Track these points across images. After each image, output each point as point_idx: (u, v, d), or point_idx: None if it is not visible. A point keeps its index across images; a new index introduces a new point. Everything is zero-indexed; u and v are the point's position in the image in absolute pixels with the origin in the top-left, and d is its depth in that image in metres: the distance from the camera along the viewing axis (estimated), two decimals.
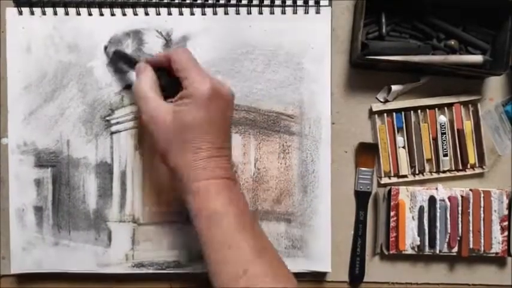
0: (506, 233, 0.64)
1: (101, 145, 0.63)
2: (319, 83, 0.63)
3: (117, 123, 0.63)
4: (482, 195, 0.63)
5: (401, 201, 0.63)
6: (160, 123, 0.51)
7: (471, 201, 0.63)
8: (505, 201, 0.64)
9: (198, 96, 0.50)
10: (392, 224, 0.63)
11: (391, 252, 0.63)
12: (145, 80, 0.54)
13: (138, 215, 0.63)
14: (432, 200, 0.63)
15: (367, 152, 0.64)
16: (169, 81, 0.55)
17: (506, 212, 0.64)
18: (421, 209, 0.63)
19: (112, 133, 0.63)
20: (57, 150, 0.63)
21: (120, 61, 0.61)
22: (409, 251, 0.63)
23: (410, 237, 0.63)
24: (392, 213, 0.63)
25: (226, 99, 0.53)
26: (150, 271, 0.63)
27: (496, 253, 0.64)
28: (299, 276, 0.64)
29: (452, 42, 0.63)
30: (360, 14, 0.59)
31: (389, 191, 0.63)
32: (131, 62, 0.59)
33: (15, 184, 0.63)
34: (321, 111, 0.63)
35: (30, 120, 0.63)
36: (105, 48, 0.63)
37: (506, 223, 0.64)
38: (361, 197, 0.65)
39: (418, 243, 0.63)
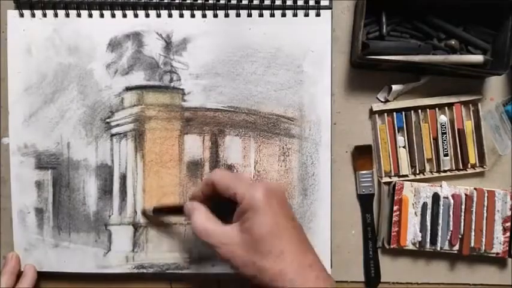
0: (508, 234, 0.64)
1: (101, 147, 0.63)
2: (319, 85, 0.63)
3: (117, 125, 0.63)
4: (486, 194, 0.63)
5: (404, 196, 0.63)
6: (236, 249, 0.49)
7: (475, 200, 0.63)
8: (509, 202, 0.63)
9: (256, 205, 0.49)
10: (394, 219, 0.63)
11: (392, 246, 0.63)
12: (199, 216, 0.53)
13: (139, 217, 0.63)
14: (436, 197, 0.63)
15: (363, 155, 0.64)
16: (221, 205, 0.53)
17: (509, 213, 0.63)
18: (425, 205, 0.63)
19: (112, 135, 0.63)
20: (57, 152, 0.63)
21: (164, 214, 0.62)
22: (410, 247, 0.63)
23: (412, 233, 0.63)
24: (395, 208, 0.63)
25: (280, 195, 0.52)
26: (150, 273, 0.63)
27: (497, 253, 0.64)
28: None
29: (453, 42, 0.63)
30: (360, 14, 0.59)
31: (394, 185, 0.63)
32: (176, 210, 0.58)
33: (16, 186, 0.63)
34: (321, 114, 0.63)
35: (30, 122, 0.63)
36: (143, 212, 0.63)
37: (508, 224, 0.63)
38: (365, 200, 0.65)
39: (420, 239, 0.63)
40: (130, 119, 0.63)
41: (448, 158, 0.64)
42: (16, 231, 0.63)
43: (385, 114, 0.64)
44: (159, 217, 0.63)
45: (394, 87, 0.62)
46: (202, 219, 0.52)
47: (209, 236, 0.51)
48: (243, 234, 0.49)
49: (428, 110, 0.64)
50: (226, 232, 0.50)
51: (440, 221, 0.63)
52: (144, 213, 0.63)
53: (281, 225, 0.49)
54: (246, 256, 0.49)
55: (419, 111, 0.64)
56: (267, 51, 0.63)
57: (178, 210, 0.57)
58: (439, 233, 0.63)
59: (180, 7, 0.62)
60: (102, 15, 0.62)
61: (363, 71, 0.64)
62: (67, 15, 0.62)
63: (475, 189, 0.63)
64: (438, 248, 0.63)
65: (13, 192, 0.63)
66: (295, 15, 0.62)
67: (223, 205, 0.53)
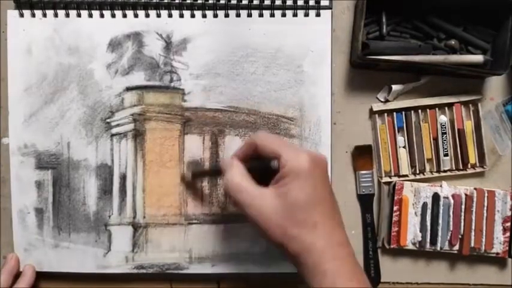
0: (508, 234, 0.64)
1: (101, 147, 0.63)
2: (320, 86, 0.63)
3: (118, 125, 0.63)
4: (486, 194, 0.63)
5: (404, 196, 0.63)
6: (268, 211, 0.48)
7: (475, 200, 0.63)
8: (509, 202, 0.64)
9: (299, 171, 0.48)
10: (394, 219, 0.63)
11: (392, 246, 0.63)
12: (235, 173, 0.51)
13: (139, 217, 0.63)
14: (436, 197, 0.63)
15: (363, 155, 0.64)
16: (259, 166, 0.53)
17: (509, 213, 0.64)
18: (425, 205, 0.63)
19: (112, 135, 0.63)
20: (57, 152, 0.63)
21: (203, 176, 0.63)
22: (410, 247, 0.63)
23: (412, 233, 0.63)
24: (395, 208, 0.63)
25: (324, 166, 0.51)
26: (150, 273, 0.63)
27: (497, 253, 0.64)
28: (299, 278, 0.64)
29: (453, 42, 0.63)
30: (360, 14, 0.59)
31: (394, 185, 0.63)
32: (214, 171, 0.59)
33: (16, 186, 0.63)
34: (321, 114, 0.63)
35: (30, 122, 0.63)
36: (182, 178, 0.63)
37: (508, 224, 0.63)
38: (365, 200, 0.65)
39: (420, 239, 0.63)
40: (131, 119, 0.63)
41: (448, 158, 0.64)
42: (16, 231, 0.63)
43: (385, 114, 0.64)
44: (197, 182, 0.63)
45: (394, 87, 0.62)
46: (237, 175, 0.51)
47: (241, 192, 0.50)
48: (278, 198, 0.48)
49: (428, 110, 0.64)
50: (261, 193, 0.49)
51: (440, 221, 0.63)
52: (182, 179, 0.63)
53: (319, 197, 0.49)
54: (277, 221, 0.48)
55: (419, 111, 0.64)
56: (267, 51, 0.63)
57: (216, 172, 0.57)
58: (439, 233, 0.63)
59: (180, 7, 0.62)
60: (102, 15, 0.62)
61: (363, 71, 0.64)
62: (67, 15, 0.62)
63: (475, 189, 0.63)
64: (438, 248, 0.63)
65: (13, 192, 0.63)
66: (295, 15, 0.63)
67: (261, 168, 0.52)
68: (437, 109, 0.64)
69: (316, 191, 0.48)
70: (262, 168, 0.51)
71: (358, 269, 0.49)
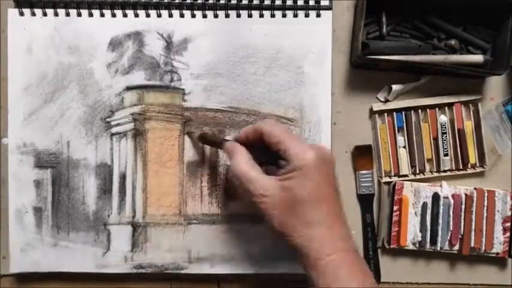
0: (508, 234, 0.64)
1: (101, 146, 0.63)
2: (320, 86, 0.63)
3: (117, 124, 0.63)
4: (486, 194, 0.63)
5: (404, 196, 0.63)
6: (272, 202, 0.49)
7: (475, 200, 0.63)
8: (509, 202, 0.64)
9: (306, 167, 0.48)
10: (394, 219, 0.63)
11: (392, 246, 0.63)
12: (242, 160, 0.51)
13: (138, 216, 0.63)
14: (436, 197, 0.63)
15: (364, 154, 0.64)
16: (263, 154, 0.53)
17: (509, 213, 0.64)
18: (425, 205, 0.63)
19: (112, 134, 0.63)
20: (57, 151, 0.63)
21: (206, 143, 0.62)
22: (410, 247, 0.63)
23: (412, 233, 0.63)
24: (395, 208, 0.63)
25: (330, 163, 0.51)
26: (149, 273, 0.63)
27: (497, 253, 0.64)
28: (298, 278, 0.64)
29: (453, 42, 0.63)
30: (360, 14, 0.59)
31: (394, 185, 0.63)
32: (218, 143, 0.58)
33: (15, 185, 0.63)
34: (321, 115, 0.63)
35: (30, 121, 0.62)
36: (188, 133, 0.63)
37: (508, 224, 0.64)
38: (365, 200, 0.65)
39: (420, 239, 0.63)
40: (131, 118, 0.63)
41: (448, 158, 0.64)
42: (13, 230, 0.63)
43: (385, 114, 0.64)
44: (201, 144, 0.63)
45: (394, 87, 0.63)
46: (244, 162, 0.51)
47: (250, 181, 0.50)
48: (284, 191, 0.49)
49: (428, 110, 0.64)
50: (268, 184, 0.50)
51: (440, 221, 0.63)
52: (189, 134, 0.63)
53: (324, 193, 0.49)
54: (281, 212, 0.49)
55: (420, 111, 0.64)
56: (267, 52, 0.63)
57: (219, 143, 0.57)
58: (439, 233, 0.63)
59: (181, 7, 0.62)
60: (102, 15, 0.62)
61: (363, 71, 0.64)
62: (67, 14, 0.62)
63: (475, 189, 0.63)
64: (438, 248, 0.63)
65: (10, 191, 0.63)
66: (295, 15, 0.63)
67: (264, 155, 0.52)
68: (437, 109, 0.64)
69: (320, 188, 0.49)
70: (264, 155, 0.52)
71: (360, 261, 0.49)
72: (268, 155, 0.52)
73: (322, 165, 0.49)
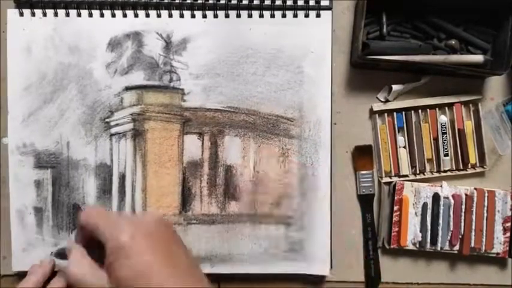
0: (508, 234, 0.64)
1: (101, 147, 0.63)
2: (319, 86, 0.63)
3: (117, 125, 0.63)
4: (486, 194, 0.63)
5: (405, 196, 0.63)
6: None
7: (475, 200, 0.63)
8: (509, 202, 0.64)
9: (119, 246, 0.47)
10: (395, 219, 0.63)
11: (392, 246, 0.63)
12: (74, 258, 0.51)
13: None
14: (436, 197, 0.63)
15: (364, 155, 0.64)
16: (92, 252, 0.52)
17: (509, 213, 0.64)
18: (425, 205, 0.63)
19: (111, 135, 0.63)
20: (56, 151, 0.63)
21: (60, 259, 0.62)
22: (411, 247, 0.63)
23: (412, 233, 0.63)
24: (395, 208, 0.63)
25: (149, 229, 0.50)
26: None
27: (497, 253, 0.64)
28: (298, 278, 0.64)
29: (453, 42, 0.63)
30: (360, 14, 0.59)
31: (394, 185, 0.63)
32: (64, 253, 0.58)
33: (15, 185, 0.63)
34: (321, 115, 0.63)
35: (29, 122, 0.62)
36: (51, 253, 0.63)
37: (509, 224, 0.63)
38: (365, 200, 0.65)
39: (420, 239, 0.63)
40: (130, 118, 0.63)
41: (448, 158, 0.64)
42: (14, 230, 0.63)
43: (385, 114, 0.64)
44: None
45: (394, 87, 0.62)
46: (77, 261, 0.51)
47: (79, 282, 0.49)
48: (110, 278, 0.47)
49: (428, 110, 0.64)
50: (98, 276, 0.49)
51: (440, 221, 0.63)
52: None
53: (148, 263, 0.47)
54: None
55: (420, 111, 0.64)
56: (267, 52, 0.63)
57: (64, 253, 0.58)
58: (440, 233, 0.63)
59: (181, 7, 0.62)
60: (102, 15, 0.62)
61: (363, 71, 0.64)
62: (67, 14, 0.62)
63: (475, 189, 0.63)
64: (438, 248, 0.63)
65: (11, 191, 0.63)
66: (295, 15, 0.63)
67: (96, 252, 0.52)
68: (437, 109, 0.64)
69: (144, 259, 0.47)
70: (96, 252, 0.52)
71: None
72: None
73: (139, 236, 0.48)
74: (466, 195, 0.63)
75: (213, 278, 0.64)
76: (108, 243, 0.48)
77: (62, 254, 0.61)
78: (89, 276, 0.49)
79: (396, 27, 0.63)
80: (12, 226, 0.63)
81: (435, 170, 0.64)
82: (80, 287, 0.50)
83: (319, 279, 0.65)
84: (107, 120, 0.63)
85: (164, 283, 0.46)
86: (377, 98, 0.64)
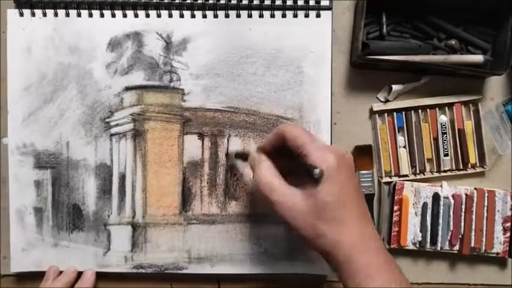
0: (508, 234, 0.64)
1: (101, 147, 0.63)
2: (319, 86, 0.63)
3: (117, 125, 0.63)
4: (486, 194, 0.63)
5: (405, 196, 0.63)
6: (298, 211, 0.49)
7: (475, 200, 0.63)
8: (509, 202, 0.64)
9: (327, 173, 0.48)
10: (395, 219, 0.63)
11: (392, 246, 0.63)
12: (266, 170, 0.52)
13: (138, 217, 0.63)
14: (436, 197, 0.63)
15: (364, 155, 0.64)
16: (299, 169, 0.52)
17: (509, 213, 0.63)
18: (425, 205, 0.63)
19: (111, 135, 0.63)
20: (56, 151, 0.63)
21: (238, 159, 0.62)
22: (411, 247, 0.63)
23: (412, 233, 0.63)
24: (395, 208, 0.63)
25: (350, 165, 0.51)
26: (149, 272, 0.63)
27: (497, 253, 0.64)
28: (298, 278, 0.64)
29: (453, 42, 0.63)
30: (360, 14, 0.59)
31: (394, 185, 0.63)
32: (246, 156, 0.58)
33: (15, 185, 0.63)
34: (321, 115, 0.63)
35: (29, 122, 0.62)
36: (226, 154, 0.63)
37: (508, 224, 0.63)
38: (365, 200, 0.64)
39: (420, 239, 0.63)
40: (130, 118, 0.63)
41: (448, 158, 0.64)
42: (14, 230, 0.63)
43: (385, 114, 0.64)
44: (238, 162, 0.63)
45: (394, 87, 0.62)
46: (267, 173, 0.51)
47: (272, 191, 0.50)
48: (308, 199, 0.48)
49: (428, 110, 0.64)
50: (291, 193, 0.50)
51: (440, 221, 0.63)
52: (226, 155, 0.63)
53: (347, 195, 0.49)
54: (307, 220, 0.48)
55: (420, 111, 0.64)
56: (267, 52, 0.63)
57: (244, 156, 0.58)
58: (440, 233, 0.63)
59: (181, 7, 0.62)
60: (102, 15, 0.62)
61: (363, 71, 0.64)
62: (67, 14, 0.62)
63: (475, 189, 0.63)
64: (438, 248, 0.63)
65: (11, 191, 0.63)
66: (295, 16, 0.63)
67: (286, 164, 0.52)
68: (437, 109, 0.64)
69: (344, 190, 0.49)
70: (287, 162, 0.52)
71: (390, 260, 0.49)
72: (291, 162, 0.52)
73: (342, 167, 0.49)
74: (466, 195, 0.63)
75: (213, 278, 0.65)
76: (317, 162, 0.48)
77: (242, 156, 0.61)
78: (283, 190, 0.50)
79: (396, 27, 0.63)
80: (12, 226, 0.63)
81: (435, 170, 0.64)
82: (269, 198, 0.50)
83: (319, 279, 0.65)
84: (107, 120, 0.63)
85: (350, 217, 0.49)
86: (377, 98, 0.64)
